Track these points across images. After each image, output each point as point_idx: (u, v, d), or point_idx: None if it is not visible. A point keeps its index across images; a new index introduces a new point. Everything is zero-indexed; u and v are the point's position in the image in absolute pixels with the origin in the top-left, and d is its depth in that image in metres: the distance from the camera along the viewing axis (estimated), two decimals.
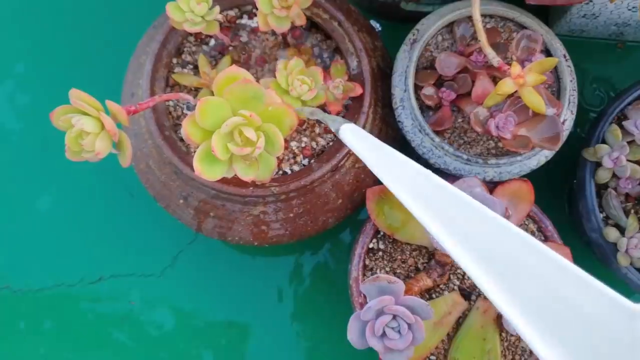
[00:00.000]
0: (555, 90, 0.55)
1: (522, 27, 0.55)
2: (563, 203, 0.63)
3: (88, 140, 0.39)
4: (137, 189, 0.67)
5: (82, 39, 0.71)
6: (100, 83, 0.68)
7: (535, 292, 0.27)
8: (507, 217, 0.48)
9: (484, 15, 0.56)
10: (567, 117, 0.53)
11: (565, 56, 0.55)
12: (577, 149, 0.57)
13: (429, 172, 0.34)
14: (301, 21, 0.49)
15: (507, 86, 0.40)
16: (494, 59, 0.44)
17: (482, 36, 0.44)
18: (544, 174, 0.57)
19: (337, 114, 0.54)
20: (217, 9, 0.48)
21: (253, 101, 0.37)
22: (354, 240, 0.55)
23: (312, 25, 0.57)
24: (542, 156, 0.53)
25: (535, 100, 0.41)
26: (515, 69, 0.41)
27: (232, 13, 0.57)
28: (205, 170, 0.36)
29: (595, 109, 0.69)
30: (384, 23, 0.71)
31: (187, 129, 0.36)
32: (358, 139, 0.38)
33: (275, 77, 0.49)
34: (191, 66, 0.57)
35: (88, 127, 0.39)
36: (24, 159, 0.69)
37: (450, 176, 0.53)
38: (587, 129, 0.59)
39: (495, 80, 0.53)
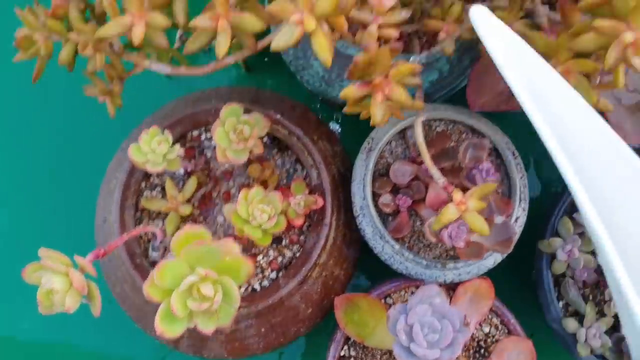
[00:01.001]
0: (506, 187, 0.57)
1: (471, 127, 0.58)
2: (530, 289, 0.65)
3: (58, 297, 0.41)
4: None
5: (56, 161, 0.74)
6: (76, 202, 0.71)
7: None
8: (466, 324, 0.50)
9: (433, 119, 0.59)
10: (520, 215, 0.56)
11: (514, 153, 0.57)
12: (537, 234, 0.60)
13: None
14: (259, 150, 0.51)
15: (450, 213, 0.43)
16: (439, 179, 0.47)
17: (427, 158, 0.47)
18: (507, 263, 0.60)
19: (301, 227, 0.57)
20: (177, 147, 0.50)
21: (209, 256, 0.39)
22: (327, 345, 0.57)
23: (275, 137, 0.60)
24: (499, 255, 0.56)
25: (479, 225, 0.43)
26: (457, 195, 0.44)
27: (195, 133, 0.60)
28: (166, 329, 0.38)
29: (556, 185, 0.71)
30: (345, 119, 0.74)
31: (148, 290, 0.38)
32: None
33: (244, 187, 0.52)
34: (159, 188, 0.59)
35: (57, 286, 0.41)
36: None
37: (412, 281, 0.56)
38: (546, 211, 0.62)
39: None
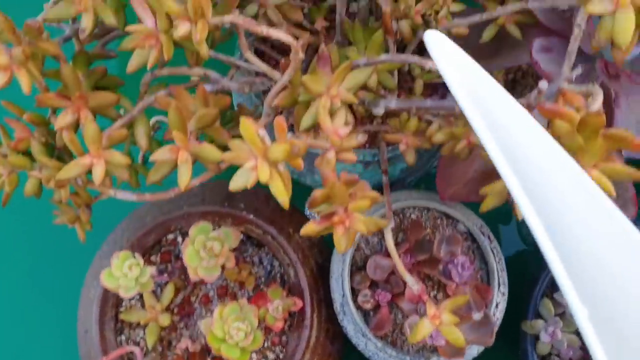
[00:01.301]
0: (484, 272, 0.57)
1: (445, 213, 0.58)
2: None
3: None
4: None
5: (37, 267, 0.74)
6: (59, 310, 0.71)
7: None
8: None
9: (407, 207, 0.59)
10: (500, 300, 0.56)
11: (489, 237, 0.57)
12: (520, 314, 0.59)
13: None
14: (231, 263, 0.51)
15: (425, 329, 0.43)
16: (414, 286, 0.46)
17: (400, 266, 0.47)
18: (492, 347, 0.59)
19: (282, 330, 0.57)
20: (149, 269, 0.50)
21: None
22: None
23: (250, 236, 0.60)
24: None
25: (454, 337, 0.43)
26: (431, 309, 0.43)
27: (171, 236, 0.60)
28: None
29: (534, 264, 0.71)
30: None
31: None
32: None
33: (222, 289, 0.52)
34: (138, 296, 0.59)
35: None
36: None
37: None
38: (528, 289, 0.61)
39: (424, 280, 0.56)
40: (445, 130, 0.42)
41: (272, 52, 0.57)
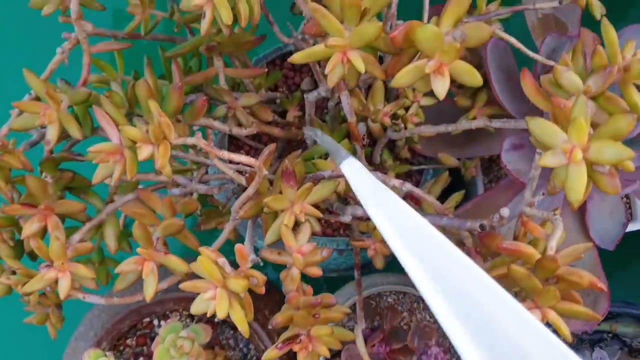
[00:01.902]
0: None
1: (421, 297, 0.58)
2: None
3: None
4: None
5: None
6: None
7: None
8: None
9: (383, 292, 0.59)
10: None
11: None
12: None
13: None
14: (203, 359, 0.51)
15: None
16: None
17: None
18: None
19: None
20: None
21: None
22: None
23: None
24: None
25: None
26: None
27: (147, 320, 0.60)
28: None
29: None
30: None
31: None
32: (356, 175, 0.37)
33: None
34: None
35: None
36: None
37: None
38: None
39: None
40: None
41: (248, 140, 0.56)
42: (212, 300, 0.36)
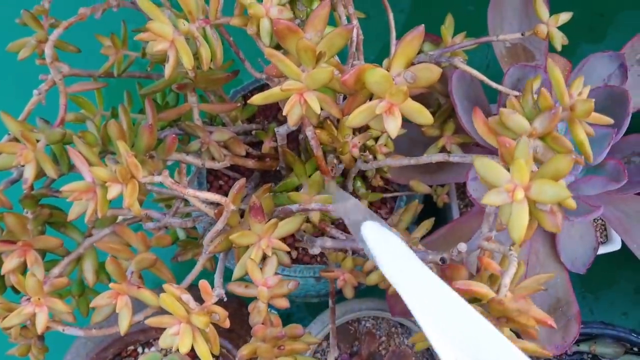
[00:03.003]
0: None
1: (399, 322, 0.59)
2: None
3: None
4: None
5: None
6: None
7: None
8: None
9: (362, 317, 0.59)
10: None
11: None
12: None
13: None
14: None
15: None
16: None
17: None
18: None
19: None
20: None
21: None
22: None
23: None
24: None
25: None
26: None
27: (131, 347, 0.61)
28: None
29: None
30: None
31: None
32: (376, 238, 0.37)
33: None
34: None
35: None
36: None
37: None
38: None
39: None
40: (377, 272, 0.43)
41: (225, 170, 0.58)
42: (176, 335, 0.37)
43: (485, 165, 0.32)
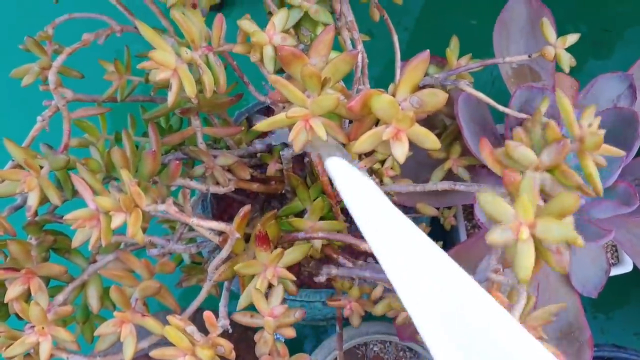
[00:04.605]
0: None
1: (407, 347, 0.58)
2: None
3: None
4: None
5: None
6: None
7: None
8: None
9: (370, 341, 0.59)
10: None
11: None
12: None
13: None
14: None
15: None
16: None
17: None
18: None
19: None
20: None
21: None
22: None
23: None
24: None
25: None
26: None
27: None
28: None
29: None
30: None
31: None
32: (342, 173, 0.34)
33: None
34: None
35: None
36: None
37: None
38: None
39: None
40: (384, 302, 0.42)
41: (230, 193, 0.57)
42: None
43: (489, 202, 0.32)
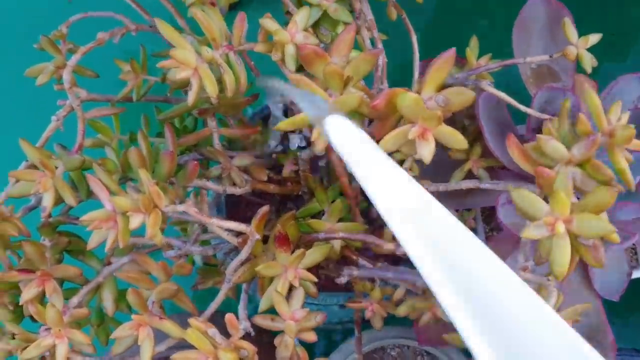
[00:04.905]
0: None
1: (425, 351, 0.57)
2: None
3: None
4: None
5: None
6: None
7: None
8: None
9: (387, 345, 0.58)
10: None
11: None
12: None
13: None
14: None
15: None
16: None
17: None
18: None
19: None
20: None
21: None
22: None
23: None
24: None
25: None
26: None
27: None
28: None
29: None
30: None
31: None
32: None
33: None
34: None
35: None
36: None
37: None
38: None
39: None
40: (408, 303, 0.42)
41: (246, 195, 0.57)
42: None
43: (523, 197, 0.31)
